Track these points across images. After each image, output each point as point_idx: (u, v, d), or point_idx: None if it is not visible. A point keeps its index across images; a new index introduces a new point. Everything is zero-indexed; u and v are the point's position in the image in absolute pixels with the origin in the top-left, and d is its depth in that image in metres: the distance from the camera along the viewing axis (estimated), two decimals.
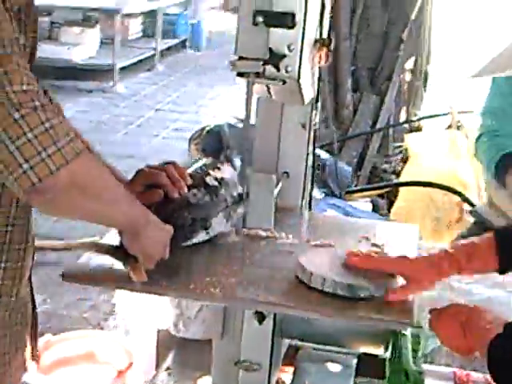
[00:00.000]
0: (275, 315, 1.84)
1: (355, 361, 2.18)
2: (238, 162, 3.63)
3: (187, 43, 12.32)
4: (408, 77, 5.02)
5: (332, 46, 1.82)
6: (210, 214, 1.65)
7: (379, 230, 1.93)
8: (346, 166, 4.15)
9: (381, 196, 4.39)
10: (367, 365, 2.17)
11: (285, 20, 1.62)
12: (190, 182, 1.63)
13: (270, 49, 1.64)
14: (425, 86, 4.85)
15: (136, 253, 1.45)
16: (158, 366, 2.31)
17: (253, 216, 1.84)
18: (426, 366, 1.50)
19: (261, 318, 1.81)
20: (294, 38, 1.64)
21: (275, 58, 1.63)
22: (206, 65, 11.49)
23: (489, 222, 2.42)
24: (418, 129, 4.80)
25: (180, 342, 2.29)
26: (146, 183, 1.57)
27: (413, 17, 4.88)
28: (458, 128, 4.15)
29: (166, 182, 1.58)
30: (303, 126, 1.99)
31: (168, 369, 2.13)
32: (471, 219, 2.60)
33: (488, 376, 1.45)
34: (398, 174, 4.66)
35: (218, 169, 1.79)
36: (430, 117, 4.68)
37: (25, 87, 1.18)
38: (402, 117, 4.95)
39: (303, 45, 1.65)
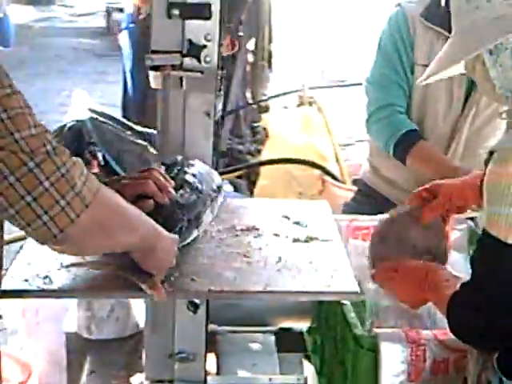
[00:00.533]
0: (208, 303, 1.87)
1: (273, 338, 2.26)
2: (100, 157, 3.57)
3: None
4: (251, 58, 5.11)
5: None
6: (200, 211, 1.65)
7: (294, 208, 2.00)
8: None
9: (239, 177, 4.47)
10: (286, 340, 2.26)
11: (202, 11, 1.63)
12: (173, 184, 1.60)
13: (190, 40, 1.64)
14: (269, 66, 4.96)
15: (151, 268, 1.43)
16: (69, 371, 2.26)
17: None
18: (376, 330, 1.58)
19: (194, 307, 1.82)
20: (211, 28, 1.66)
21: (195, 50, 1.64)
22: (19, 60, 11.05)
23: (373, 190, 2.55)
24: (267, 108, 4.91)
25: (95, 344, 2.26)
26: (135, 194, 1.51)
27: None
28: (311, 104, 4.31)
29: (154, 189, 1.53)
30: (208, 115, 1.99)
31: (92, 372, 2.10)
32: (355, 188, 2.72)
33: (436, 332, 1.57)
34: (252, 155, 4.75)
35: (192, 165, 1.78)
36: (280, 95, 4.82)
37: (33, 131, 1.13)
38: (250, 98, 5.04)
39: (220, 34, 1.67)
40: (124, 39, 5.05)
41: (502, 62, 1.34)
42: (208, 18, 1.64)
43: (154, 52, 1.68)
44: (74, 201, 1.16)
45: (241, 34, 4.97)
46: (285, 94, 4.84)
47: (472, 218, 2.17)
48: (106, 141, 3.51)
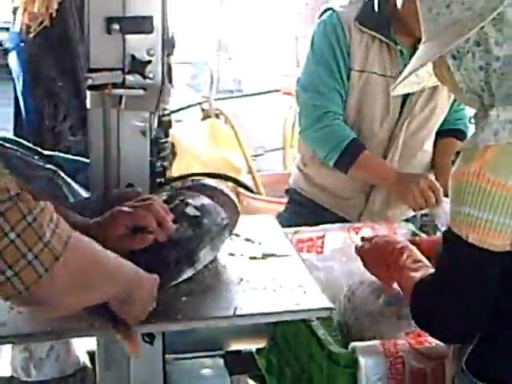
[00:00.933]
0: (164, 332, 1.77)
1: (222, 361, 2.17)
2: None
3: None
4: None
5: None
6: (195, 248, 1.50)
7: (241, 225, 1.93)
8: None
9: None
10: (236, 362, 2.18)
11: (143, 25, 1.54)
12: (172, 217, 1.46)
13: (133, 56, 1.54)
14: (170, 80, 4.84)
15: (128, 317, 1.29)
16: None
17: None
18: (353, 344, 1.53)
19: (151, 338, 1.72)
20: (153, 42, 1.57)
21: (140, 66, 1.55)
22: None
23: (308, 199, 2.51)
24: (169, 123, 4.80)
25: None
26: (130, 225, 1.39)
27: None
28: (218, 116, 4.25)
29: (154, 226, 1.41)
30: (143, 134, 1.90)
31: None
32: (285, 199, 2.68)
33: (411, 341, 1.55)
34: (159, 172, 4.63)
35: (197, 196, 1.64)
36: (183, 109, 4.72)
37: None
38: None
39: (163, 49, 1.58)
40: (13, 60, 4.81)
41: (465, 66, 1.36)
42: (150, 32, 1.55)
43: (92, 70, 1.56)
44: (42, 253, 1.02)
45: None
46: (188, 107, 4.75)
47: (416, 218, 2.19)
48: (13, 167, 3.33)
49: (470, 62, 1.35)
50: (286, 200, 3.85)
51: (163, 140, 4.83)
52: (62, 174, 3.24)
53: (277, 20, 5.00)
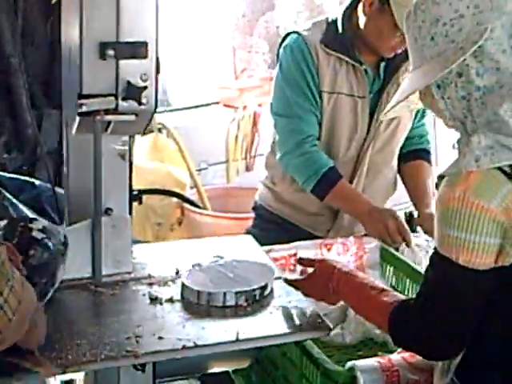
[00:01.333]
0: None
1: (199, 383, 2.17)
2: None
3: None
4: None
5: None
6: (54, 268, 1.57)
7: (222, 247, 1.94)
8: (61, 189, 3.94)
9: None
10: (212, 382, 2.17)
11: (137, 50, 1.52)
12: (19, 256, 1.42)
13: (129, 82, 1.53)
14: None
15: (30, 342, 1.32)
16: None
17: (110, 262, 1.72)
18: (352, 362, 1.56)
19: (142, 365, 1.70)
20: (147, 67, 1.55)
21: (135, 91, 1.53)
22: None
23: (276, 215, 2.51)
24: None
25: None
26: None
27: None
28: (160, 130, 4.21)
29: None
30: (122, 157, 1.87)
31: None
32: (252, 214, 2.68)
33: (404, 355, 1.59)
34: None
35: (36, 219, 1.67)
36: None
37: None
38: None
39: (156, 73, 1.57)
40: None
41: (448, 95, 1.42)
42: (144, 57, 1.54)
43: (84, 96, 1.54)
44: (10, 298, 1.09)
45: None
46: None
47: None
48: None
49: (453, 91, 1.41)
50: (230, 215, 3.87)
51: None
52: (7, 195, 3.15)
53: (212, 31, 4.99)
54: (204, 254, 1.86)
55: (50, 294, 1.55)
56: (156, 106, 1.59)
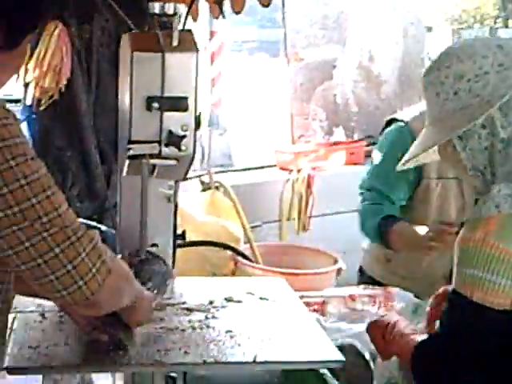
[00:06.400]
0: (185, 376, 1.92)
1: None
2: None
3: None
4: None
5: None
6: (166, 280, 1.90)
7: (253, 285, 2.12)
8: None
9: None
10: None
11: (179, 104, 1.75)
12: None
13: (170, 131, 1.75)
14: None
15: (133, 323, 1.63)
16: None
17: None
18: None
19: (172, 381, 1.88)
20: (187, 119, 1.78)
21: (176, 140, 1.75)
22: None
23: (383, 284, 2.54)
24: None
25: None
26: None
27: None
28: (218, 188, 4.45)
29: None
30: (168, 200, 2.10)
31: None
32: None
33: None
34: None
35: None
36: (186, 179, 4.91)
37: (66, 206, 1.30)
38: None
39: (195, 124, 1.79)
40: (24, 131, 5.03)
41: (471, 146, 1.50)
42: (185, 110, 1.76)
43: (133, 142, 1.77)
44: (101, 268, 1.31)
45: None
46: (187, 179, 4.93)
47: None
48: None
49: (475, 142, 1.49)
50: (281, 269, 4.03)
51: None
52: None
53: (271, 98, 5.25)
54: (237, 290, 2.05)
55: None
56: (194, 153, 1.81)
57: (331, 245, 4.08)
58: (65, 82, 4.74)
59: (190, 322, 1.82)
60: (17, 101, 6.65)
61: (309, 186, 4.63)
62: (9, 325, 1.75)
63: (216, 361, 1.61)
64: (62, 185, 4.80)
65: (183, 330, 1.76)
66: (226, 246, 4.15)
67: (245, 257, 4.17)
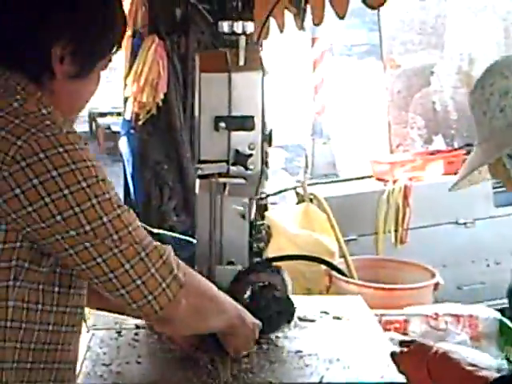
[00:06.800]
0: None
1: None
2: None
3: None
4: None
5: None
6: (292, 308, 1.84)
7: (328, 303, 2.09)
8: None
9: None
10: None
11: (246, 123, 1.75)
12: None
13: (237, 150, 1.76)
14: (266, 164, 5.03)
15: (230, 349, 1.62)
16: None
17: None
18: None
19: None
20: (254, 138, 1.78)
21: (243, 158, 1.76)
22: None
23: None
24: (266, 206, 4.97)
25: None
26: None
27: None
28: (311, 200, 4.42)
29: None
30: (243, 217, 2.10)
31: None
32: None
33: None
34: (256, 253, 4.78)
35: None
36: (278, 193, 4.93)
37: (138, 223, 1.34)
38: None
39: (263, 143, 1.79)
40: (123, 145, 5.19)
41: None
42: (252, 129, 1.76)
43: (201, 162, 1.79)
44: (172, 283, 1.34)
45: None
46: (283, 190, 4.95)
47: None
48: None
49: None
50: (376, 285, 3.95)
51: (259, 222, 5.03)
52: None
53: (370, 106, 5.19)
54: (312, 309, 2.02)
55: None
56: (262, 172, 1.80)
57: (429, 258, 3.98)
58: (162, 97, 4.88)
59: (258, 341, 1.81)
60: (115, 113, 6.80)
61: (405, 197, 4.53)
62: (86, 342, 1.81)
63: (281, 382, 1.60)
64: (160, 198, 4.95)
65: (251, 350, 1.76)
66: (320, 260, 4.10)
67: (339, 271, 4.12)
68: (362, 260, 4.38)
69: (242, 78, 1.75)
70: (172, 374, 1.65)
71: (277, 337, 1.84)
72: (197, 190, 1.92)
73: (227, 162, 1.79)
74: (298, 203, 4.61)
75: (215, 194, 1.91)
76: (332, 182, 4.72)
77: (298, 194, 4.74)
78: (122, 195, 5.42)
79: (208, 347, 1.64)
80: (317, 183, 4.62)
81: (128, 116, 5.00)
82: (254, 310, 1.67)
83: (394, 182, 4.57)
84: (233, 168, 1.79)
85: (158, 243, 1.35)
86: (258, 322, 1.64)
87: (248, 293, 1.80)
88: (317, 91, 9.93)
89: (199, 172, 1.78)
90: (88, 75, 1.39)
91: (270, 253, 4.44)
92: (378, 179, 4.73)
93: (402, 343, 1.72)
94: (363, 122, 5.02)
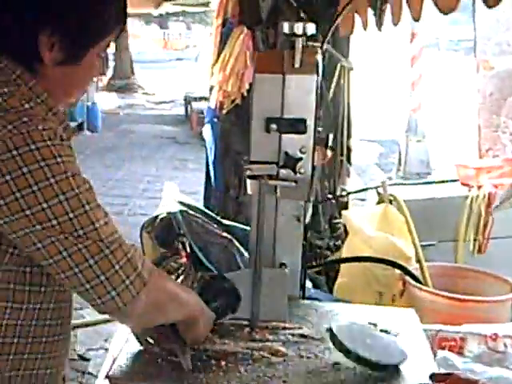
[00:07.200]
0: None
1: None
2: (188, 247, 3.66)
3: (84, 125, 12.34)
4: (329, 153, 5.14)
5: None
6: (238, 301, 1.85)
7: (380, 315, 2.02)
8: None
9: (318, 272, 4.46)
10: None
11: (298, 126, 1.71)
12: None
13: (286, 153, 1.72)
14: (349, 161, 4.99)
15: (189, 338, 1.64)
16: None
17: (267, 309, 1.89)
18: None
19: None
20: (305, 141, 1.73)
21: (291, 162, 1.72)
22: (106, 145, 11.54)
23: None
24: (346, 204, 4.93)
25: None
26: None
27: (330, 95, 5.03)
28: (391, 202, 4.32)
29: None
30: (298, 219, 2.06)
31: None
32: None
33: None
34: (332, 251, 4.74)
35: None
36: (359, 191, 4.85)
37: (106, 220, 1.38)
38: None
39: (314, 147, 1.74)
40: (207, 132, 5.22)
41: None
42: (303, 133, 1.72)
43: (252, 162, 1.76)
44: (136, 280, 1.40)
45: (319, 129, 5.04)
46: (363, 190, 4.86)
47: None
48: (194, 232, 3.61)
49: None
50: (449, 294, 3.82)
51: (337, 220, 4.96)
52: (236, 243, 3.49)
53: (465, 107, 5.01)
54: (359, 320, 1.96)
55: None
56: (312, 176, 1.76)
57: (509, 270, 3.82)
58: (247, 87, 4.87)
59: (299, 349, 1.77)
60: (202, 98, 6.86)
61: (489, 204, 4.36)
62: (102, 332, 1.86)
63: None
64: (238, 189, 4.95)
65: (289, 358, 1.72)
66: (394, 264, 4.01)
67: (413, 277, 4.00)
68: (439, 267, 4.24)
69: (296, 80, 1.71)
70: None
71: (317, 346, 1.79)
72: (249, 191, 1.89)
73: (277, 164, 1.75)
74: (377, 204, 4.52)
75: (267, 196, 1.88)
76: (413, 184, 4.59)
77: (379, 194, 4.64)
78: (203, 181, 5.48)
79: (167, 338, 1.66)
80: (398, 184, 4.50)
81: (212, 104, 5.03)
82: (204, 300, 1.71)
83: (479, 187, 4.40)
84: (282, 171, 1.75)
85: (125, 241, 1.40)
86: (212, 313, 1.69)
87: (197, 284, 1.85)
88: (414, 87, 9.73)
89: (248, 173, 1.75)
90: (80, 61, 1.42)
91: (345, 253, 4.40)
92: (463, 184, 4.57)
93: (433, 377, 1.65)
94: (456, 122, 4.86)
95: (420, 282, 4.04)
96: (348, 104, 5.04)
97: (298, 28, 1.78)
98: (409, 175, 8.99)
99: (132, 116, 15.61)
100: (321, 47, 1.85)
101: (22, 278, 1.40)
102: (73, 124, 11.46)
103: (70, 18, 1.37)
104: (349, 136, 5.07)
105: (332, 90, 4.98)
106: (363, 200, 5.69)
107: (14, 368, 1.43)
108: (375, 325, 1.94)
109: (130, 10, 1.52)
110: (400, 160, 9.68)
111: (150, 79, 21.38)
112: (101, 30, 1.43)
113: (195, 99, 12.90)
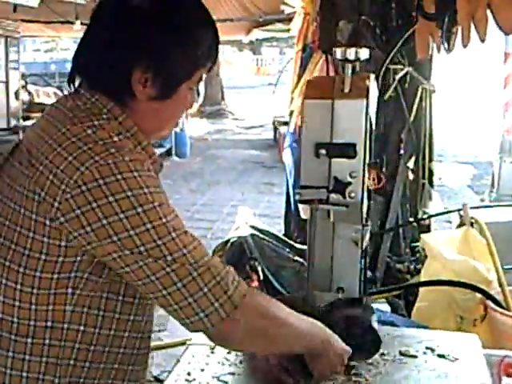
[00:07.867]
0: None
1: None
2: (260, 271, 3.70)
3: (172, 151, 12.62)
4: (411, 176, 5.11)
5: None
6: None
7: (439, 340, 1.99)
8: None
9: (397, 296, 4.41)
10: None
11: (347, 151, 1.73)
12: None
13: (336, 178, 1.73)
14: (430, 184, 4.93)
15: (314, 371, 1.62)
16: None
17: None
18: None
19: None
20: (355, 166, 1.74)
21: (341, 186, 1.73)
22: (193, 170, 11.75)
23: None
24: (428, 227, 4.87)
25: None
26: None
27: (411, 118, 4.99)
28: (472, 225, 4.24)
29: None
30: (355, 243, 2.06)
31: None
32: None
33: None
34: (412, 274, 4.69)
35: None
36: (440, 214, 4.78)
37: (196, 244, 1.40)
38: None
39: (364, 172, 1.75)
40: (287, 156, 5.27)
41: None
42: (353, 157, 1.73)
43: (303, 187, 1.78)
44: (226, 303, 1.39)
45: (401, 152, 5.03)
46: (444, 213, 4.79)
47: None
48: (266, 256, 3.66)
49: None
50: None
51: (417, 243, 4.89)
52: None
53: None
54: (417, 344, 1.94)
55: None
56: (362, 201, 1.76)
57: None
58: None
59: (346, 373, 1.77)
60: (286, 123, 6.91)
61: None
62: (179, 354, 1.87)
63: None
64: None
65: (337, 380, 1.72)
66: (474, 288, 3.92)
67: (495, 301, 3.91)
68: None
69: (345, 105, 1.72)
70: None
71: (369, 370, 1.78)
72: (302, 215, 1.91)
73: (327, 188, 1.77)
74: (458, 227, 4.44)
75: (323, 220, 1.89)
76: (495, 206, 4.48)
77: (460, 216, 4.56)
78: (284, 204, 5.52)
79: (294, 368, 1.65)
80: (481, 207, 4.41)
81: (292, 129, 5.07)
82: (346, 337, 1.65)
83: None
84: (332, 195, 1.76)
85: (218, 264, 1.40)
86: (347, 348, 1.63)
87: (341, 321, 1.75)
88: (507, 108, 9.50)
89: (297, 197, 1.77)
90: (171, 96, 1.45)
91: (424, 276, 4.33)
92: None
93: None
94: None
95: (502, 307, 3.93)
96: (430, 127, 5.00)
97: (350, 53, 1.80)
98: (502, 197, 8.76)
99: (220, 141, 15.84)
100: (378, 72, 1.86)
101: (115, 287, 1.42)
102: (161, 150, 11.74)
103: (164, 54, 1.40)
104: (431, 159, 5.02)
105: (413, 113, 4.95)
106: (450, 222, 5.59)
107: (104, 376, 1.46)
108: (433, 349, 1.92)
109: (221, 37, 1.53)
110: (493, 182, 9.45)
111: (240, 105, 21.66)
112: (195, 63, 1.45)
113: (283, 124, 13.01)
